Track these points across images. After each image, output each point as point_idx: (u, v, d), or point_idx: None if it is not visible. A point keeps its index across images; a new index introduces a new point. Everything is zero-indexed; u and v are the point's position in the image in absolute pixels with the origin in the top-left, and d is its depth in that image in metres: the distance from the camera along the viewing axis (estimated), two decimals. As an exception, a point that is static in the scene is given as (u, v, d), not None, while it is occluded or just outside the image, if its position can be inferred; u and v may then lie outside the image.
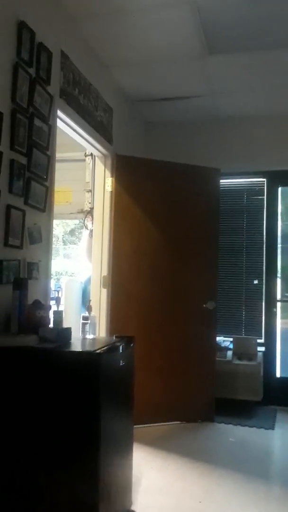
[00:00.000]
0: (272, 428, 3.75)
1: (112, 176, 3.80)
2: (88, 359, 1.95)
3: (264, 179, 4.64)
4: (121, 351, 2.21)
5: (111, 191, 3.79)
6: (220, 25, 3.01)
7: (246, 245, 4.68)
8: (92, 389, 1.91)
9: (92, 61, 3.39)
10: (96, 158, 3.91)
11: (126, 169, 3.82)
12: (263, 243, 4.59)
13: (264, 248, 4.58)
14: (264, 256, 4.57)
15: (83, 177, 5.04)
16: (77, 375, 1.93)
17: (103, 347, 2.05)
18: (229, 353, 4.30)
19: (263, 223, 4.61)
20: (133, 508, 2.39)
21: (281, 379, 4.46)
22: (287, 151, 4.41)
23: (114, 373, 2.13)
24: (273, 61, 3.47)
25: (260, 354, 4.29)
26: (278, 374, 4.48)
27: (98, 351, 1.97)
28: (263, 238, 4.59)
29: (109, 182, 3.79)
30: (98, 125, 3.49)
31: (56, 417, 1.92)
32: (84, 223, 4.82)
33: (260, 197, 4.66)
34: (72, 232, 8.74)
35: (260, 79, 3.78)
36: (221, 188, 4.17)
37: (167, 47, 3.29)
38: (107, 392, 1.99)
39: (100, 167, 3.88)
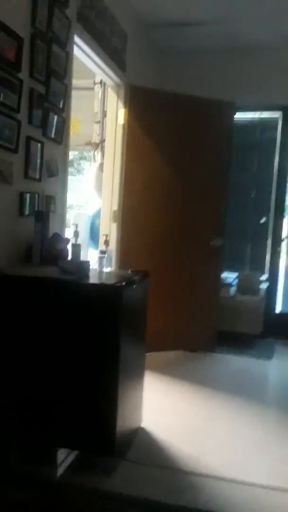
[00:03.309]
0: (271, 358, 3.99)
1: (125, 108, 3.70)
2: (110, 292, 2.04)
3: (279, 114, 4.52)
4: (137, 285, 2.30)
5: (123, 123, 3.71)
6: None
7: (255, 182, 4.67)
8: (112, 320, 2.03)
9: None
10: (108, 87, 3.79)
11: (139, 101, 3.71)
12: (272, 180, 4.57)
13: (274, 186, 4.57)
14: (273, 194, 4.58)
15: (90, 106, 4.88)
16: (99, 306, 2.03)
17: (123, 281, 2.14)
18: (233, 288, 4.45)
19: (274, 160, 4.56)
20: (143, 425, 2.61)
21: (281, 314, 4.66)
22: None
23: (131, 305, 2.24)
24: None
25: (262, 290, 4.45)
26: (278, 310, 4.67)
27: (119, 285, 2.06)
28: (273, 175, 4.57)
29: (122, 113, 3.70)
30: (113, 52, 3.34)
31: (79, 345, 2.05)
32: (93, 155, 4.76)
33: (274, 133, 4.56)
34: (70, 163, 8.59)
35: (283, 4, 3.56)
36: (234, 122, 4.07)
37: None
38: (125, 323, 2.11)
39: (112, 97, 3.77)
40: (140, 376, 2.57)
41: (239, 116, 4.34)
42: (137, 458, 2.28)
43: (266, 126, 4.62)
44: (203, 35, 4.16)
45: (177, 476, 2.15)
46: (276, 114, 4.54)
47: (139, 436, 2.50)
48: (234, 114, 4.02)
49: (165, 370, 3.53)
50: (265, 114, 4.64)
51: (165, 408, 2.91)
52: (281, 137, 4.53)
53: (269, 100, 4.42)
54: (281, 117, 4.51)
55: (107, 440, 2.09)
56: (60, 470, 2.08)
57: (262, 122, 4.64)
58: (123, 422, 2.21)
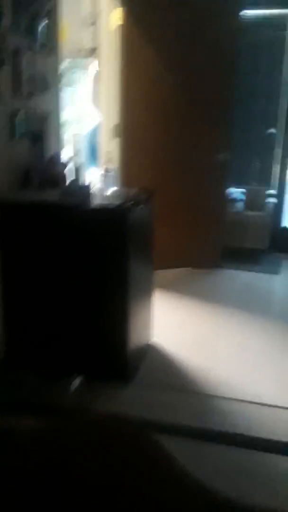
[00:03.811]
0: (277, 273, 4.01)
1: (121, 6, 3.34)
2: (117, 213, 1.98)
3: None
4: (144, 204, 2.23)
5: (120, 25, 3.37)
6: None
7: (263, 88, 4.36)
8: (121, 241, 1.99)
9: None
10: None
11: (136, -1, 3.34)
12: (281, 86, 4.26)
13: (284, 94, 4.27)
14: (283, 102, 4.29)
15: (79, 8, 4.41)
16: (107, 228, 1.98)
17: (129, 201, 2.06)
18: (240, 203, 4.36)
19: (283, 64, 4.22)
20: (153, 341, 2.68)
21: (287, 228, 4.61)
22: None
23: (138, 225, 2.18)
24: None
25: (270, 204, 4.35)
26: (285, 224, 4.61)
27: (125, 206, 1.98)
28: (281, 79, 4.25)
29: (117, 13, 3.35)
30: None
31: (88, 268, 2.03)
32: (87, 63, 4.41)
33: (282, 31, 4.17)
34: (62, 74, 8.03)
35: None
36: (241, 20, 3.70)
37: None
38: (132, 243, 2.08)
39: (107, -4, 3.40)
40: (149, 294, 2.59)
41: (246, 13, 3.93)
42: (150, 373, 2.36)
43: (275, 23, 4.20)
44: None
45: (189, 398, 2.21)
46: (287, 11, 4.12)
47: (150, 352, 2.58)
48: (241, 10, 3.63)
49: (173, 287, 3.56)
50: (274, 11, 4.20)
51: (174, 324, 2.98)
52: (291, 37, 4.15)
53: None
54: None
55: (120, 359, 2.15)
56: (73, 396, 2.12)
57: (272, 20, 4.21)
58: (135, 339, 2.26)
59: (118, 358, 2.16)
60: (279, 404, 2.10)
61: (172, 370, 2.39)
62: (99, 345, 2.14)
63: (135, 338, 2.27)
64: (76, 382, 2.15)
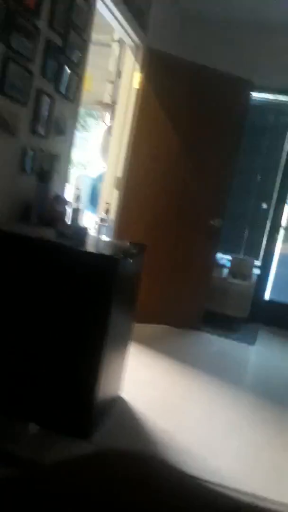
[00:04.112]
0: (253, 343, 4.03)
1: (141, 71, 3.57)
2: (107, 262, 2.01)
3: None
4: (134, 257, 2.27)
5: (138, 88, 3.58)
6: None
7: (262, 167, 4.59)
8: (106, 290, 2.01)
9: None
10: (127, 48, 3.63)
11: (157, 65, 3.57)
12: (279, 166, 4.50)
13: (280, 172, 4.50)
14: (279, 180, 4.51)
15: (104, 63, 4.68)
16: (94, 275, 2.00)
17: (121, 252, 2.10)
18: (225, 270, 4.44)
19: (283, 145, 4.47)
20: (123, 395, 2.63)
21: (269, 301, 4.69)
22: None
23: (126, 277, 2.21)
24: None
25: (254, 275, 4.45)
26: (267, 296, 4.69)
27: (116, 256, 2.02)
28: (280, 161, 4.49)
29: (138, 77, 3.56)
30: (136, 11, 3.19)
31: (69, 311, 2.03)
32: (102, 115, 4.62)
33: (285, 116, 4.46)
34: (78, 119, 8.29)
35: None
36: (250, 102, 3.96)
37: None
38: (117, 294, 2.09)
39: (130, 58, 3.63)
40: (125, 346, 2.57)
41: (255, 95, 4.21)
42: (112, 430, 2.30)
43: (281, 109, 4.50)
44: (234, 6, 3.97)
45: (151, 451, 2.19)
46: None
47: (117, 406, 2.52)
48: (251, 93, 3.90)
49: (149, 343, 3.54)
50: (281, 97, 4.51)
51: (146, 381, 2.94)
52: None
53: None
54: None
55: (85, 410, 2.10)
56: (27, 444, 2.00)
57: (276, 105, 4.52)
58: (104, 391, 2.22)
59: (83, 409, 2.11)
60: (238, 485, 2.06)
61: (135, 429, 2.34)
62: (65, 392, 2.10)
63: (104, 390, 2.23)
64: (33, 429, 2.07)
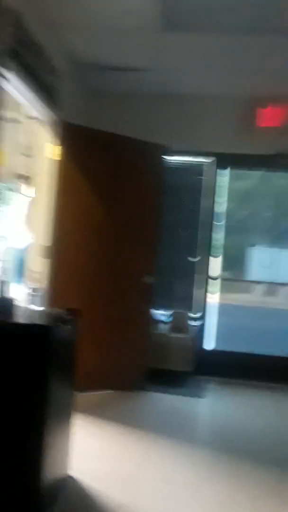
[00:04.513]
0: (202, 396, 3.99)
1: (58, 144, 3.70)
2: (38, 331, 1.94)
3: (210, 160, 4.75)
4: (68, 324, 2.22)
5: (56, 159, 3.69)
6: (180, 2, 2.98)
7: (186, 222, 4.81)
8: (40, 361, 1.92)
9: (43, 21, 3.22)
10: (42, 123, 3.77)
11: (73, 138, 3.72)
12: (203, 221, 4.74)
13: (204, 227, 4.73)
14: (203, 234, 4.74)
15: (16, 137, 4.79)
16: (26, 347, 1.92)
17: (55, 320, 2.05)
18: (165, 326, 4.46)
19: (204, 203, 4.75)
20: (71, 473, 2.46)
21: (212, 351, 4.73)
22: (234, 134, 4.54)
23: (61, 346, 2.14)
24: (226, 45, 3.52)
25: (193, 327, 4.50)
26: (209, 347, 4.73)
27: (48, 324, 1.97)
28: (203, 216, 4.74)
29: (54, 149, 3.68)
30: (44, 87, 3.35)
31: (6, 387, 1.91)
32: (21, 188, 4.65)
33: (203, 176, 4.77)
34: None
35: (212, 61, 3.82)
36: (168, 164, 4.21)
37: (123, 16, 3.21)
38: (54, 364, 2.01)
39: (45, 133, 3.75)
40: (68, 420, 2.43)
41: (171, 158, 4.50)
42: (64, 512, 2.13)
43: (194, 169, 4.82)
44: (136, 80, 4.32)
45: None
46: (206, 159, 4.76)
47: (67, 487, 2.34)
48: (166, 157, 4.16)
49: (95, 411, 3.39)
50: (195, 159, 4.85)
51: (95, 453, 2.77)
52: (209, 181, 4.74)
53: (198, 146, 4.63)
54: (211, 163, 4.73)
55: (32, 497, 1.92)
56: None
57: (193, 165, 4.84)
58: (50, 473, 2.05)
59: (29, 496, 1.93)
60: None
61: (90, 509, 2.16)
62: (8, 480, 1.92)
63: (51, 472, 2.07)
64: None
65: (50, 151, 3.66)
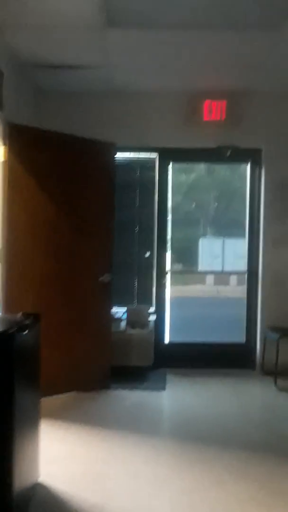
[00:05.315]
0: (163, 389, 4.07)
1: (4, 145, 3.60)
2: (1, 339, 1.91)
3: (156, 155, 4.80)
4: (29, 329, 2.19)
5: (3, 161, 3.60)
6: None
7: (138, 218, 4.85)
8: (5, 369, 1.89)
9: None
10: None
11: (19, 138, 3.64)
12: (154, 216, 4.80)
13: (156, 222, 4.80)
14: (155, 229, 4.80)
15: None
16: (-11, 356, 1.88)
17: (13, 326, 2.02)
18: (123, 323, 4.49)
19: (154, 197, 4.80)
20: (40, 479, 2.44)
21: (170, 344, 4.82)
22: (178, 129, 4.61)
23: (24, 351, 2.12)
24: (169, 41, 3.56)
25: (151, 322, 4.56)
26: (167, 340, 4.82)
27: (10, 331, 1.93)
28: (154, 211, 4.80)
29: (1, 151, 3.59)
30: (-11, 89, 3.26)
31: None
32: None
33: (152, 172, 4.83)
34: None
35: (155, 57, 3.85)
36: (115, 162, 4.22)
37: (66, 13, 3.16)
38: (18, 371, 1.99)
39: (-9, 134, 3.64)
40: (36, 426, 2.42)
41: (120, 155, 4.51)
42: (37, 518, 2.11)
43: (145, 165, 4.86)
44: (82, 78, 4.28)
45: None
46: (154, 155, 4.82)
47: (38, 493, 2.33)
48: (115, 154, 4.16)
49: (60, 415, 3.37)
50: (143, 155, 4.89)
51: (63, 456, 2.77)
52: (158, 176, 4.80)
53: (146, 141, 4.67)
54: (157, 158, 4.79)
55: (3, 506, 1.90)
56: None
57: (141, 162, 4.87)
58: (20, 482, 2.03)
59: (1, 506, 1.90)
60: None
61: (63, 512, 2.17)
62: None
63: (21, 480, 2.05)
64: None
65: (0, 153, 3.56)
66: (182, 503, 2.27)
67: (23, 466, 2.10)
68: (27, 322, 2.20)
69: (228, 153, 4.69)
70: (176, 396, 3.98)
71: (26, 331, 2.13)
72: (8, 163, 3.59)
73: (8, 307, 3.48)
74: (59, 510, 2.20)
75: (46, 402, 3.46)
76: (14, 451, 1.91)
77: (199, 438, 3.06)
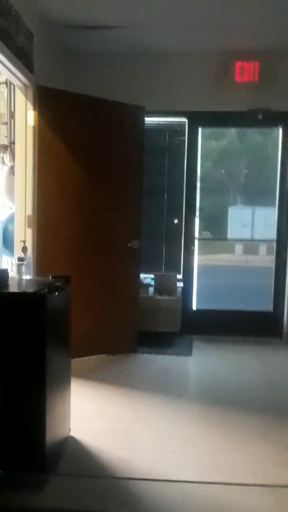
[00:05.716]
0: (190, 354, 4.13)
1: (34, 110, 3.60)
2: (33, 300, 1.97)
3: (186, 119, 4.70)
4: (60, 291, 2.25)
5: (34, 126, 3.60)
6: None
7: (167, 185, 4.81)
8: (37, 329, 1.97)
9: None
10: (16, 88, 3.65)
11: (49, 102, 3.62)
12: (183, 183, 4.75)
13: (184, 188, 4.75)
14: (184, 196, 4.75)
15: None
16: (22, 316, 1.95)
17: (45, 288, 2.08)
18: (151, 289, 4.54)
19: (184, 164, 4.74)
20: (72, 433, 2.56)
21: (197, 311, 4.85)
22: (208, 92, 4.49)
23: (55, 312, 2.18)
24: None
25: (179, 289, 4.59)
26: (194, 307, 4.85)
27: (41, 292, 1.99)
28: (183, 178, 4.74)
29: (31, 116, 3.59)
30: (19, 51, 3.23)
31: (5, 356, 1.95)
32: (2, 158, 4.55)
33: (182, 137, 4.74)
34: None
35: (187, 14, 3.71)
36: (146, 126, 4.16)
37: None
38: (49, 331, 2.06)
39: (20, 98, 3.63)
40: (66, 384, 2.51)
41: (149, 120, 4.44)
42: (68, 470, 2.23)
43: (175, 130, 4.77)
44: (111, 39, 4.18)
45: (109, 484, 2.14)
46: (183, 119, 4.72)
47: (69, 446, 2.44)
48: (144, 118, 4.10)
49: (89, 375, 3.49)
50: (172, 119, 4.79)
51: (93, 414, 2.88)
52: (187, 141, 4.71)
53: (176, 105, 4.57)
54: (187, 123, 4.69)
55: (37, 455, 2.02)
56: None
57: (170, 126, 4.79)
58: (52, 434, 2.14)
59: (36, 453, 2.02)
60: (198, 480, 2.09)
61: (91, 465, 2.28)
62: (15, 440, 2.00)
63: (53, 432, 2.16)
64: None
65: (29, 117, 3.56)
66: (205, 462, 2.35)
67: (55, 421, 2.20)
68: (57, 284, 2.26)
69: (260, 117, 4.54)
70: (202, 362, 4.04)
71: (57, 293, 2.19)
72: (38, 128, 3.59)
73: (40, 271, 3.56)
74: (89, 462, 2.31)
75: (76, 363, 3.58)
76: (46, 407, 2.01)
77: (224, 401, 3.12)
